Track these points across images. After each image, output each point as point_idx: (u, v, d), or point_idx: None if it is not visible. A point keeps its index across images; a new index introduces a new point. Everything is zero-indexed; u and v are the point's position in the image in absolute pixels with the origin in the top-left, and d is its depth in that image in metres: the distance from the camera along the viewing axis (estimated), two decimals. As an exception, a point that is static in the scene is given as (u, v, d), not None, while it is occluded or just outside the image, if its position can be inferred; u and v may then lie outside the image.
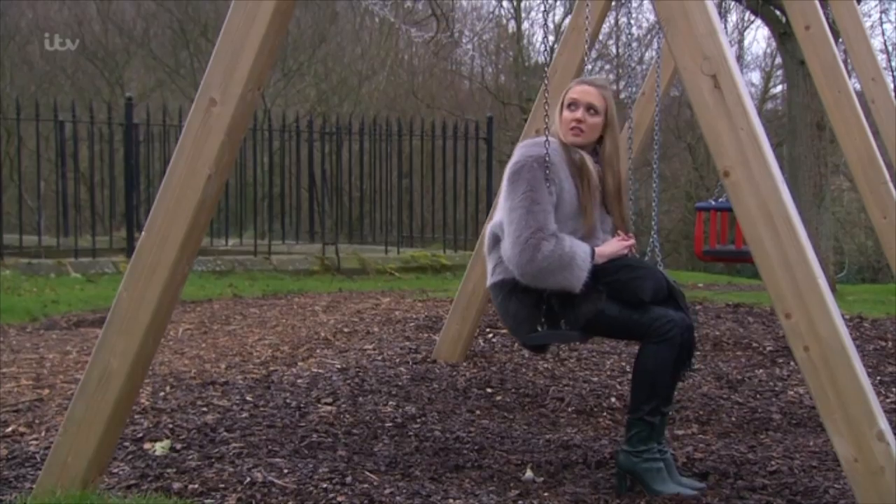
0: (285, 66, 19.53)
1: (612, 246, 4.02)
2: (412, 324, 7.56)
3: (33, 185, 16.08)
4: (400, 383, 5.70)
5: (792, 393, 5.80)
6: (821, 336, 3.20)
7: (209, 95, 3.74)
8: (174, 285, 3.80)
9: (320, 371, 5.97)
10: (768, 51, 22.22)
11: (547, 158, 3.89)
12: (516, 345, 6.47)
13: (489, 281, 4.13)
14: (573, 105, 4.08)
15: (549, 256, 3.81)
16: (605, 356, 6.52)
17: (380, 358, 6.31)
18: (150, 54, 20.74)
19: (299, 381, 5.73)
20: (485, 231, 4.40)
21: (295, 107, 18.62)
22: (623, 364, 6.30)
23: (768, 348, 6.93)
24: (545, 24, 4.61)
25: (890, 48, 20.21)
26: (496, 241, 4.05)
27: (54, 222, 12.50)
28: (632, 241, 4.08)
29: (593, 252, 3.91)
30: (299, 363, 6.28)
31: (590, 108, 4.07)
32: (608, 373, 6.16)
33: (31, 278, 10.26)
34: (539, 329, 3.96)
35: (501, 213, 4.00)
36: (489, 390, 5.68)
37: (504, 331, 6.87)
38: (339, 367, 6.07)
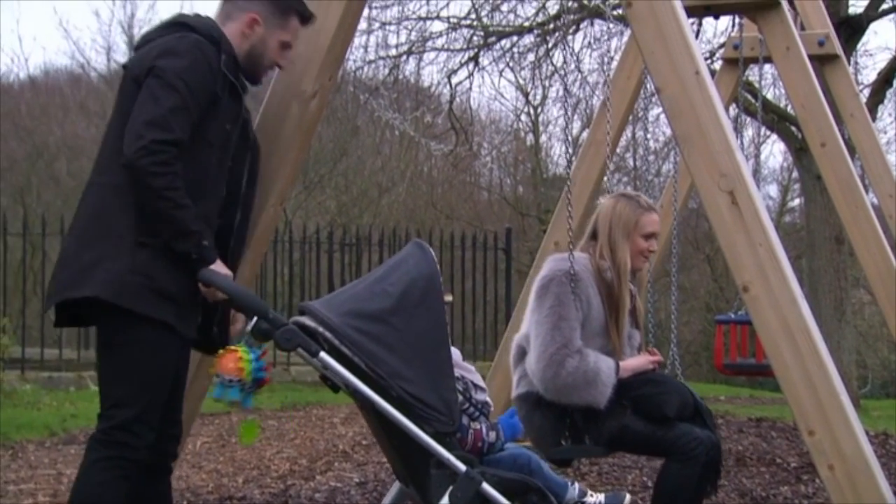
0: (307, 178, 19.76)
1: (638, 360, 4.00)
2: (431, 437, 7.48)
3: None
4: (419, 498, 5.62)
5: (818, 510, 5.69)
6: (845, 454, 3.16)
7: (233, 211, 3.79)
8: (194, 399, 3.80)
9: (338, 485, 5.90)
10: (785, 164, 22.34)
11: (572, 272, 3.88)
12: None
13: (514, 393, 4.10)
14: (651, 237, 4.07)
15: (574, 373, 3.78)
16: (626, 470, 6.43)
17: (398, 472, 6.23)
18: (173, 168, 21.02)
19: (317, 495, 5.66)
20: (506, 341, 4.39)
21: (315, 218, 18.76)
22: (644, 479, 6.20)
23: (792, 464, 6.81)
24: (566, 138, 4.58)
25: (906, 162, 20.32)
26: (522, 353, 4.03)
27: (75, 335, 12.50)
28: (658, 357, 4.05)
29: (618, 367, 3.89)
30: (317, 477, 6.23)
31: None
32: (629, 487, 6.05)
33: (52, 392, 10.27)
34: (563, 443, 3.92)
35: (528, 326, 3.99)
36: (509, 506, 5.58)
37: (526, 443, 6.78)
38: (357, 480, 6.00)
